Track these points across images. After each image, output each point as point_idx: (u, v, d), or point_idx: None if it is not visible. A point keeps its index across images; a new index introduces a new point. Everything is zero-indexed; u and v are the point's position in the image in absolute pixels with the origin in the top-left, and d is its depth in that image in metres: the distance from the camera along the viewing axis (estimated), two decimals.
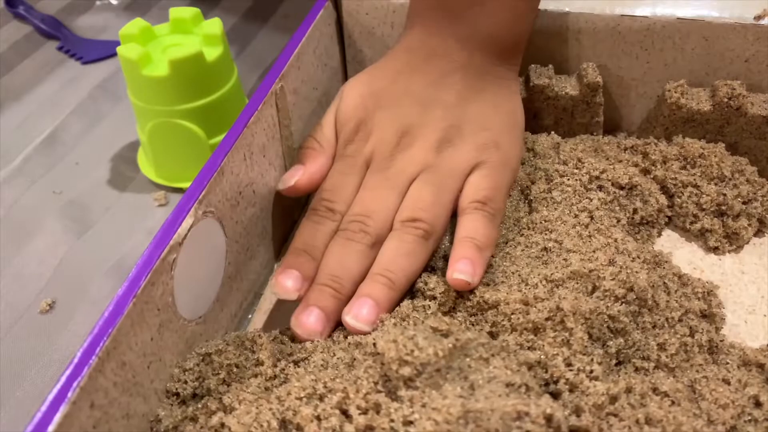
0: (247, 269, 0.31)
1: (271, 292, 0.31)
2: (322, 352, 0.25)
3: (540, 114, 0.38)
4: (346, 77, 0.43)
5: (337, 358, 0.24)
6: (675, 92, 0.36)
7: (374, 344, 0.22)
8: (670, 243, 0.34)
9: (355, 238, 0.28)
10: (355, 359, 0.23)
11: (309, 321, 0.26)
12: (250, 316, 0.31)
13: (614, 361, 0.25)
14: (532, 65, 0.37)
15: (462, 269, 0.26)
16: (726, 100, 0.34)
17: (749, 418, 0.24)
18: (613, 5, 0.36)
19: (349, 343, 0.26)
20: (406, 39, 0.34)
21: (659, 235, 0.34)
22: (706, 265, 0.33)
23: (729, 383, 0.26)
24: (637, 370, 0.26)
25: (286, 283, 0.27)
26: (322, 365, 0.24)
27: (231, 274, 0.29)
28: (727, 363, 0.27)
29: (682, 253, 0.33)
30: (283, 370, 0.24)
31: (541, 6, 0.36)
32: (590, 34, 0.37)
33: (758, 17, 0.35)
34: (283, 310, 0.32)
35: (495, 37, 0.32)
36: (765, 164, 0.36)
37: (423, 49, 0.33)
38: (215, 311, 0.28)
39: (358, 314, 0.26)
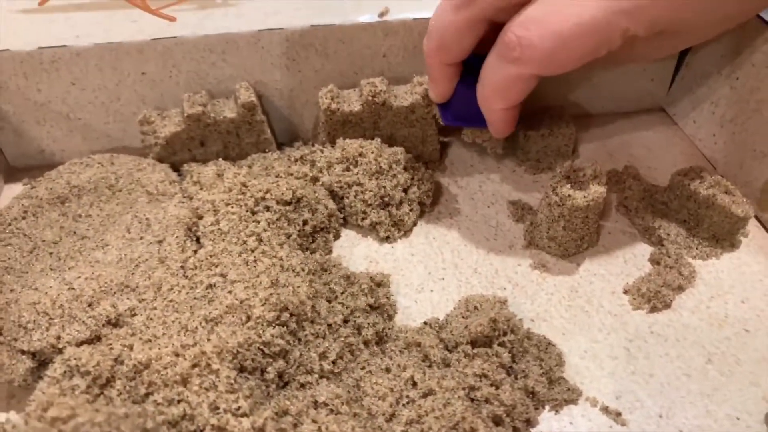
0: None
1: None
2: None
3: (207, 142, 0.37)
4: None
5: None
6: (326, 98, 0.37)
7: None
8: (348, 242, 0.36)
9: None
10: None
11: None
12: None
13: (274, 386, 0.26)
14: (185, 94, 0.37)
15: None
16: (371, 97, 0.36)
17: (407, 400, 0.26)
18: (250, 22, 0.37)
19: None
20: None
21: (337, 237, 0.36)
22: (381, 256, 0.35)
23: (390, 371, 0.27)
24: (302, 386, 0.26)
25: None
26: None
27: None
28: (392, 350, 0.29)
29: (359, 249, 0.35)
30: None
31: (175, 32, 0.36)
32: (235, 53, 0.37)
33: (382, 14, 0.37)
34: None
35: None
36: (421, 148, 0.39)
37: None
38: None
39: None
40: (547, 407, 0.28)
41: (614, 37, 0.27)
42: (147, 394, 0.25)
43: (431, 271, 0.34)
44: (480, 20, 0.29)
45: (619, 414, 0.28)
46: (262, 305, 0.27)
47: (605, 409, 0.28)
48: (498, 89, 0.30)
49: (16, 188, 0.39)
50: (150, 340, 0.27)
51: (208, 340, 0.25)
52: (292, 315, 0.27)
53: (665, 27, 0.28)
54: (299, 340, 0.27)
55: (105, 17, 0.37)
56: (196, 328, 0.27)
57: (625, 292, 0.32)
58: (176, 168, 0.37)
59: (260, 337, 0.26)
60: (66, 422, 0.20)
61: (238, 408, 0.23)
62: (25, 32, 0.36)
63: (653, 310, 0.32)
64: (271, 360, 0.26)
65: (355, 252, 0.35)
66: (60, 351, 0.28)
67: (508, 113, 0.32)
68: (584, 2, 0.26)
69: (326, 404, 0.25)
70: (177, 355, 0.25)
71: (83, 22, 0.37)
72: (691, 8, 0.28)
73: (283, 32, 0.37)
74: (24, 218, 0.33)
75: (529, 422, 0.27)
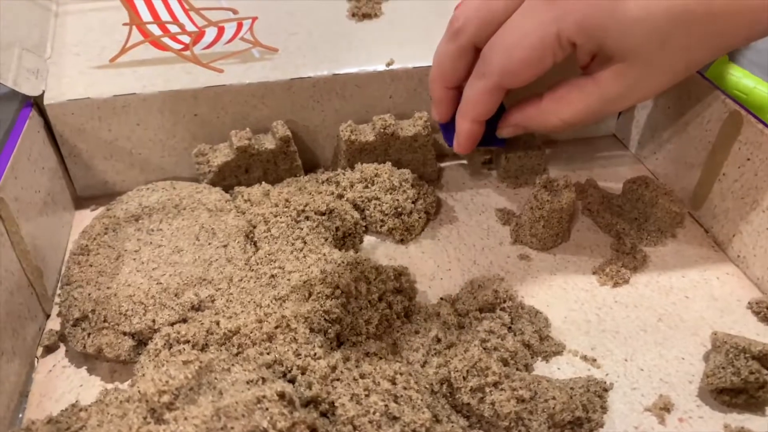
0: (7, 372, 0.33)
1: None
2: (97, 415, 0.29)
3: (250, 169, 0.46)
4: (68, 174, 0.46)
5: (111, 415, 0.28)
6: (346, 131, 0.46)
7: (138, 390, 0.27)
8: (370, 245, 0.44)
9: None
10: (126, 410, 0.27)
11: None
12: (21, 415, 0.33)
13: (335, 343, 0.33)
14: (232, 131, 0.45)
15: None
16: (383, 130, 0.45)
17: (434, 351, 0.34)
18: (284, 72, 0.45)
19: (121, 401, 0.29)
20: None
21: (361, 242, 0.44)
22: (398, 254, 0.43)
23: (419, 332, 0.35)
24: (354, 344, 0.34)
25: None
26: (97, 425, 0.28)
27: None
28: (418, 319, 0.37)
29: (380, 250, 0.43)
30: None
31: (223, 81, 0.44)
32: (272, 97, 0.46)
33: (389, 64, 0.47)
34: (56, 397, 0.34)
35: None
36: (422, 169, 0.48)
37: None
38: None
39: None
40: (539, 358, 0.36)
41: (552, 42, 0.34)
42: (238, 353, 0.32)
43: (439, 264, 0.42)
44: (468, 48, 0.38)
45: (594, 360, 0.36)
46: (321, 284, 0.34)
47: (584, 357, 0.36)
48: (470, 101, 0.38)
49: (85, 214, 0.46)
50: (232, 317, 0.34)
51: (285, 308, 0.33)
52: (342, 292, 0.35)
53: (599, 41, 0.34)
54: (348, 311, 0.35)
55: (165, 70, 0.45)
56: (269, 304, 0.34)
57: (593, 273, 0.41)
58: (225, 191, 0.45)
59: (322, 306, 0.33)
60: (195, 362, 0.28)
61: (315, 354, 0.31)
62: (99, 84, 0.44)
63: (615, 285, 0.40)
64: (330, 324, 0.33)
65: (377, 252, 0.43)
66: (156, 331, 0.35)
67: (474, 128, 0.40)
68: (525, 20, 0.35)
69: (375, 354, 0.32)
70: (260, 321, 0.32)
71: (147, 74, 0.45)
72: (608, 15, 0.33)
73: (310, 80, 0.45)
74: (106, 233, 0.41)
75: (527, 367, 0.35)
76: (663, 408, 0.33)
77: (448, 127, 0.42)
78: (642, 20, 0.33)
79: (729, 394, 0.34)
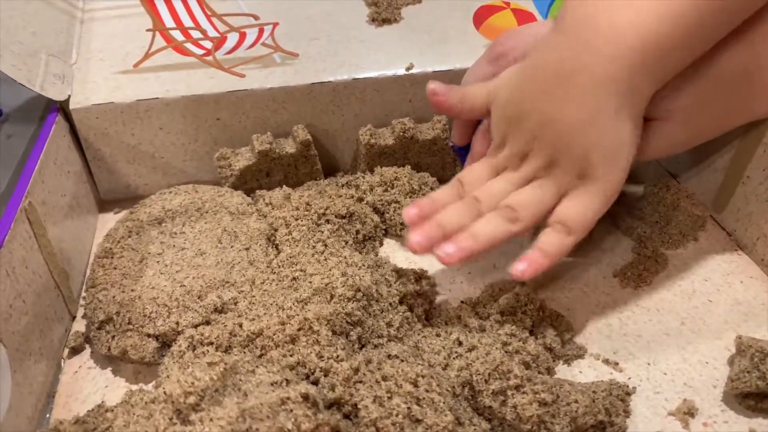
0: (35, 372, 0.33)
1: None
2: (123, 416, 0.29)
3: (271, 172, 0.46)
4: (92, 178, 0.46)
5: (138, 416, 0.28)
6: (366, 135, 0.46)
7: (164, 391, 0.27)
8: (390, 249, 0.44)
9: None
10: (152, 411, 0.27)
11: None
12: (48, 415, 0.34)
13: (357, 346, 0.33)
14: (254, 135, 0.45)
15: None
16: (402, 134, 0.45)
17: (456, 354, 0.34)
18: (305, 77, 0.46)
19: (146, 402, 0.30)
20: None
21: (381, 245, 0.44)
22: (417, 258, 0.43)
23: (440, 335, 0.35)
24: (375, 347, 0.34)
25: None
26: (124, 426, 0.28)
27: (19, 381, 0.32)
28: (439, 322, 0.37)
29: (400, 254, 0.43)
30: None
31: (244, 86, 0.44)
32: (293, 101, 0.46)
33: (408, 68, 0.47)
34: (81, 398, 0.35)
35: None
36: (442, 173, 0.48)
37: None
38: (11, 419, 0.30)
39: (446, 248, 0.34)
40: (561, 361, 0.36)
41: None
42: (261, 355, 0.32)
43: (459, 267, 0.42)
44: None
45: (617, 364, 0.36)
46: (342, 286, 0.35)
47: (606, 361, 0.36)
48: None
49: (108, 217, 0.47)
50: (254, 319, 0.35)
51: (307, 311, 0.33)
52: (363, 294, 0.35)
53: None
54: (369, 314, 0.35)
55: (187, 75, 0.46)
56: (291, 307, 0.35)
57: (615, 276, 0.41)
58: (247, 194, 0.45)
59: (344, 309, 0.34)
60: (220, 364, 0.28)
61: (338, 356, 0.31)
62: (123, 89, 0.45)
63: (637, 288, 0.40)
64: (352, 327, 0.34)
65: (397, 255, 0.43)
66: (179, 333, 0.35)
67: None
68: None
69: (397, 356, 0.32)
70: (283, 323, 0.33)
71: (170, 79, 0.45)
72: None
73: (330, 84, 0.46)
74: (129, 236, 0.41)
75: (549, 370, 0.35)
76: (687, 412, 0.33)
77: (464, 150, 0.42)
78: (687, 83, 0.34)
79: (754, 399, 0.33)
